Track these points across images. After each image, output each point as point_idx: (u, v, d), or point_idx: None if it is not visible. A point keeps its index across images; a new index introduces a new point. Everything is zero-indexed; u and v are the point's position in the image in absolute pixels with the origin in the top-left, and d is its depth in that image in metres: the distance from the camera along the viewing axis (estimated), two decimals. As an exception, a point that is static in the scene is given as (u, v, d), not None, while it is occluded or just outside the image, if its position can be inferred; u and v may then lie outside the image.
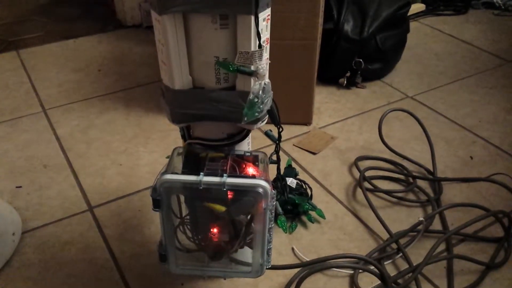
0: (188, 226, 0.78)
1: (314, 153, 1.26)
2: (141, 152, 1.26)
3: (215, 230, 0.77)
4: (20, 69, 1.65)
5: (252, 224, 0.75)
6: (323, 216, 1.06)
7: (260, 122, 0.73)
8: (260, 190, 0.69)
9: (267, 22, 0.66)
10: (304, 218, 1.06)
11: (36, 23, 2.00)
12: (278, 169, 0.91)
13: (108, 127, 1.36)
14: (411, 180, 1.17)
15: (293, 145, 1.30)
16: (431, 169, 1.20)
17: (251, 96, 0.67)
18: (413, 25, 1.89)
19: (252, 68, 0.66)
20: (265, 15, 0.65)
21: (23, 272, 0.94)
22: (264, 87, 0.68)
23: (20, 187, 1.15)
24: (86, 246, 1.00)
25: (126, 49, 1.79)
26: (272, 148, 0.83)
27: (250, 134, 0.78)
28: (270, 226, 0.74)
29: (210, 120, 0.72)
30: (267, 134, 0.81)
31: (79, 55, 1.74)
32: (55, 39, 1.85)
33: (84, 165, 1.21)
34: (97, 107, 1.44)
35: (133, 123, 1.37)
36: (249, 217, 0.75)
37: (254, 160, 0.76)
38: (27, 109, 1.43)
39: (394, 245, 0.99)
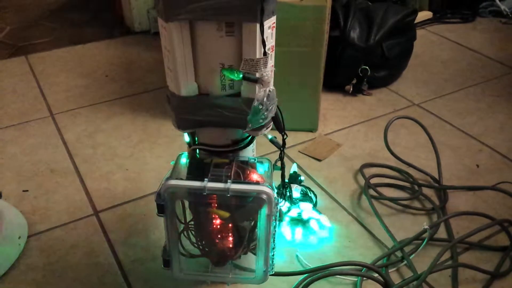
0: (192, 232, 0.78)
1: (319, 160, 1.27)
2: (147, 157, 1.27)
3: (219, 236, 0.77)
4: (28, 74, 1.66)
5: (256, 230, 0.75)
6: (327, 223, 1.06)
7: (265, 128, 0.73)
8: (264, 196, 0.69)
9: (272, 30, 0.67)
10: (308, 224, 1.06)
11: (45, 28, 2.02)
12: (283, 175, 0.91)
13: (114, 132, 1.37)
14: (416, 188, 1.17)
15: (299, 151, 1.30)
16: (437, 177, 1.19)
17: (255, 103, 0.68)
18: (419, 32, 1.88)
19: (257, 75, 0.66)
20: (270, 22, 0.65)
21: (28, 276, 0.95)
22: (268, 94, 0.69)
23: (27, 191, 1.16)
24: (91, 250, 1.00)
25: (133, 55, 1.80)
26: (277, 155, 0.83)
27: (254, 141, 0.78)
28: (273, 233, 0.74)
29: (215, 126, 0.72)
30: (272, 140, 0.81)
31: (87, 60, 1.75)
32: (64, 45, 1.87)
33: (91, 170, 1.22)
34: (104, 112, 1.45)
35: (139, 128, 1.38)
36: (252, 223, 0.75)
37: (259, 166, 0.76)
38: (35, 114, 1.45)
39: (398, 253, 0.99)
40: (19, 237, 1.00)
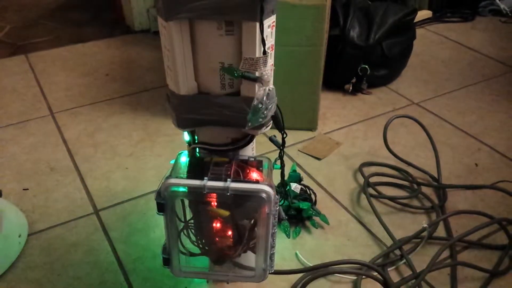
0: (192, 230, 0.78)
1: (319, 159, 1.27)
2: (147, 155, 1.27)
3: (218, 234, 0.78)
4: (28, 73, 1.66)
5: (256, 229, 0.75)
6: (327, 222, 1.06)
7: (264, 127, 0.73)
8: (264, 195, 0.70)
9: (272, 29, 0.67)
10: (308, 223, 1.06)
11: (45, 27, 2.03)
12: (282, 174, 0.91)
13: (114, 131, 1.37)
14: (415, 186, 1.17)
15: (298, 150, 1.30)
16: (436, 175, 1.20)
17: (255, 102, 0.68)
18: (419, 32, 1.89)
19: (257, 74, 0.67)
20: (270, 21, 0.65)
21: (28, 274, 0.95)
22: (268, 93, 0.69)
23: (27, 189, 1.16)
24: (91, 248, 1.01)
25: (133, 54, 1.80)
26: (276, 154, 0.84)
27: (254, 140, 0.78)
28: (273, 231, 0.74)
29: (215, 125, 0.72)
30: (271, 139, 0.81)
31: (87, 59, 1.75)
32: (64, 44, 1.87)
33: (91, 169, 1.22)
34: (104, 111, 1.46)
35: (139, 127, 1.39)
36: (252, 221, 0.76)
37: (258, 165, 0.77)
38: (35, 113, 1.45)
39: (397, 252, 0.99)
40: (19, 236, 1.00)
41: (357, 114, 1.46)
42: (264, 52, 0.66)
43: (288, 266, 0.96)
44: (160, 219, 0.74)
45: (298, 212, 1.05)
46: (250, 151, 0.80)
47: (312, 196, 1.10)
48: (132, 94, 1.55)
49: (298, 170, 1.20)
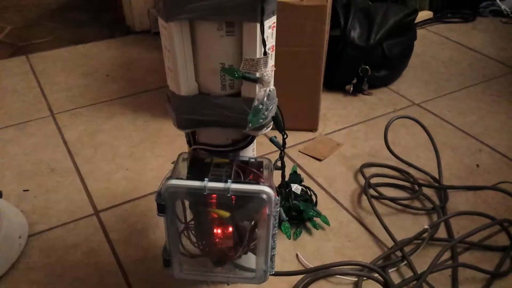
0: (193, 231, 0.78)
1: (319, 160, 1.27)
2: (147, 157, 1.27)
3: (219, 235, 0.77)
4: (29, 73, 1.66)
5: (256, 230, 0.75)
6: (327, 223, 1.06)
7: (265, 128, 0.73)
8: (264, 196, 0.69)
9: (272, 30, 0.67)
10: (308, 224, 1.06)
11: (46, 28, 2.03)
12: (283, 175, 0.91)
13: (115, 131, 1.37)
14: (416, 187, 1.17)
15: (299, 151, 1.30)
16: (437, 176, 1.19)
17: (256, 103, 0.68)
18: (420, 32, 1.89)
19: (257, 75, 0.66)
20: (270, 22, 0.65)
21: (28, 275, 0.95)
22: (269, 94, 0.69)
23: (27, 190, 1.16)
24: (91, 250, 1.01)
25: (134, 54, 1.80)
26: (277, 155, 0.83)
27: (255, 140, 0.78)
28: (274, 232, 0.74)
29: (215, 126, 0.72)
30: (272, 140, 0.81)
31: (88, 60, 1.75)
32: (64, 44, 1.87)
33: (91, 170, 1.22)
34: (105, 112, 1.46)
35: (140, 128, 1.38)
36: (253, 223, 0.76)
37: (259, 166, 0.76)
38: (36, 113, 1.45)
39: (398, 253, 0.99)
40: (19, 237, 1.00)
41: (358, 115, 1.46)
42: (265, 53, 0.66)
43: (288, 268, 0.96)
44: (161, 220, 0.74)
45: (299, 213, 1.05)
46: (250, 152, 0.80)
47: (313, 197, 1.10)
48: (133, 95, 1.55)
49: (299, 171, 1.19)
